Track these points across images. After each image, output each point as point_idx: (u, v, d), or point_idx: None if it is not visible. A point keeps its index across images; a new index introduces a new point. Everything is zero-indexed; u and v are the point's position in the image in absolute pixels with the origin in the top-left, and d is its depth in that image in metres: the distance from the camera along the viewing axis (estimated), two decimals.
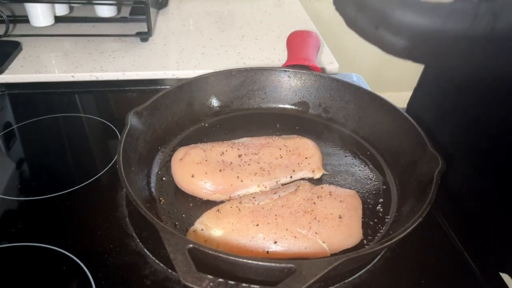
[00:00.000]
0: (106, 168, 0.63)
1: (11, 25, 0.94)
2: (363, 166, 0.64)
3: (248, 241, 0.48)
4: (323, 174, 0.61)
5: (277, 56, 0.94)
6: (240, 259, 0.40)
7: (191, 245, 0.40)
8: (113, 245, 0.50)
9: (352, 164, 0.64)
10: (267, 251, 0.48)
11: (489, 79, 0.36)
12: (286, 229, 0.49)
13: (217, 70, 0.72)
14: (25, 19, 0.97)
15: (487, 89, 0.56)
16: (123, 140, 0.55)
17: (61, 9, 1.03)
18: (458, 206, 0.64)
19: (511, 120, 0.58)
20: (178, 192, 0.57)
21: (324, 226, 0.50)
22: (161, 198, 0.56)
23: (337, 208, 0.52)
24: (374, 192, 0.59)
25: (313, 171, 0.60)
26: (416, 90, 0.82)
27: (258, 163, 0.59)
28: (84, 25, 1.03)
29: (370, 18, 0.35)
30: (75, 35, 0.98)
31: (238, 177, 0.57)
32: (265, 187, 0.57)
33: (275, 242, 0.48)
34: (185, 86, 0.69)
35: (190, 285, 0.37)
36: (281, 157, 0.60)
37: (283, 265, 0.39)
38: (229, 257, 0.40)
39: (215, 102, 0.73)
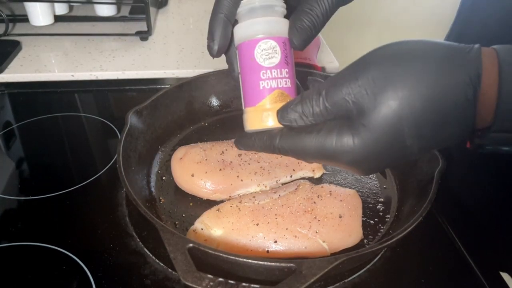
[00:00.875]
0: (106, 168, 0.62)
1: (10, 24, 0.94)
2: None
3: (248, 240, 0.48)
4: (323, 173, 0.61)
5: None
6: (240, 259, 0.40)
7: (191, 245, 0.40)
8: (113, 244, 0.50)
9: None
10: (267, 251, 0.48)
11: None
12: (286, 229, 0.49)
13: (217, 69, 0.72)
14: (24, 18, 0.96)
15: None
16: (123, 139, 0.54)
17: (61, 8, 1.02)
18: (458, 205, 0.64)
19: None
20: (178, 192, 0.57)
21: (324, 226, 0.50)
22: (161, 198, 0.56)
23: (337, 208, 0.52)
24: (374, 191, 0.59)
25: (313, 170, 0.60)
26: None
27: (258, 162, 0.59)
28: (83, 24, 1.03)
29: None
30: (74, 34, 0.97)
31: (238, 176, 0.56)
32: (265, 187, 0.57)
33: (275, 242, 0.48)
34: (185, 85, 0.69)
35: (190, 284, 0.37)
36: (281, 156, 0.60)
37: (283, 264, 0.39)
38: (229, 256, 0.40)
39: (215, 101, 0.73)
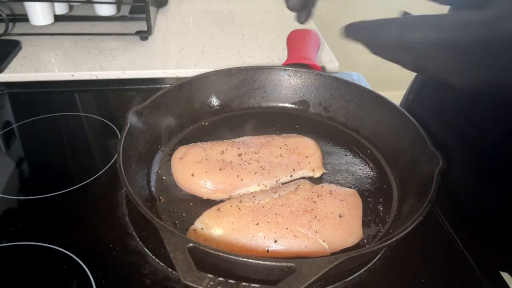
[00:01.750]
0: (106, 167, 0.62)
1: (10, 24, 0.94)
2: (363, 165, 0.63)
3: (248, 240, 0.48)
4: (323, 173, 0.61)
5: (277, 54, 0.94)
6: (240, 258, 0.40)
7: (191, 244, 0.40)
8: (113, 244, 0.50)
9: (352, 163, 0.64)
10: (267, 250, 0.48)
11: (488, 84, 0.37)
12: (286, 228, 0.49)
13: (217, 69, 0.72)
14: (24, 18, 0.97)
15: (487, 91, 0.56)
16: (123, 139, 0.54)
17: (61, 8, 1.03)
18: (458, 205, 0.64)
19: (511, 120, 0.58)
20: (178, 191, 0.57)
21: (325, 225, 0.50)
22: (161, 197, 0.56)
23: (337, 207, 0.52)
24: (374, 191, 0.59)
25: (313, 170, 0.60)
26: (411, 89, 0.82)
27: (258, 162, 0.59)
28: (83, 24, 1.03)
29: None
30: (74, 34, 0.97)
31: (238, 176, 0.56)
32: (265, 186, 0.57)
33: (275, 241, 0.48)
34: (185, 85, 0.69)
35: (190, 284, 0.37)
36: (281, 156, 0.60)
37: (283, 264, 0.39)
38: (229, 256, 0.40)
39: (215, 101, 0.73)
